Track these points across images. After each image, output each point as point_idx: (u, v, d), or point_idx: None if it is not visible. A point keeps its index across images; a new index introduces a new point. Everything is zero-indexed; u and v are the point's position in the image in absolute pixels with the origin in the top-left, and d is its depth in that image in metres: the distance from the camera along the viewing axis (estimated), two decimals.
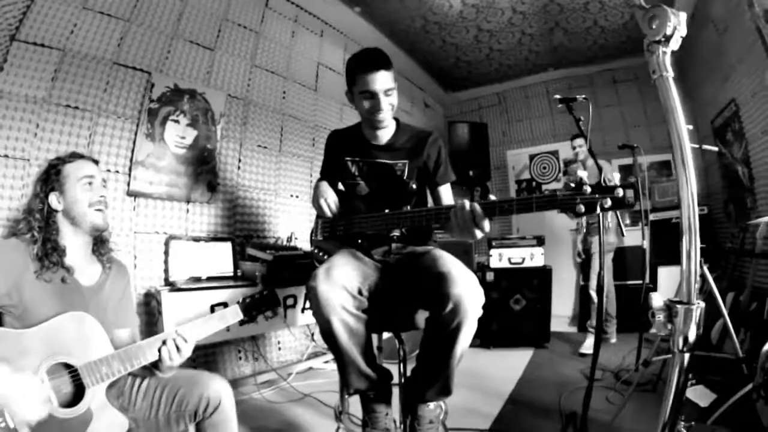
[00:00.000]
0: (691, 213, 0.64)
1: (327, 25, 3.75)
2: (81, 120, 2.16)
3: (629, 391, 2.10)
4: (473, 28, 3.92)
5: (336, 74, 3.76)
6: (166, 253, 2.43)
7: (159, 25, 2.51)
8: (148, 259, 2.38)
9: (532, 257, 3.59)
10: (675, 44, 0.69)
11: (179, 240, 2.49)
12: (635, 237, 3.40)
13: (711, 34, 3.49)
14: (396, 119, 1.71)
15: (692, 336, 0.58)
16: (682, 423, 0.79)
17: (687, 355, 0.57)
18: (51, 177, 1.28)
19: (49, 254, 1.19)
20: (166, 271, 2.41)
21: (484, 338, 3.46)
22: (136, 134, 2.37)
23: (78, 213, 1.27)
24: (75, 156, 1.35)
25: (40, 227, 1.22)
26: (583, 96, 1.99)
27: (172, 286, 2.23)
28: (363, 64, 1.52)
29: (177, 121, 2.55)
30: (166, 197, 2.50)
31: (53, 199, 1.25)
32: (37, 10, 2.00)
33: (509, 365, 3.02)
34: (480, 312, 1.32)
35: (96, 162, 1.38)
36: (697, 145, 2.38)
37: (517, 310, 3.49)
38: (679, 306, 0.57)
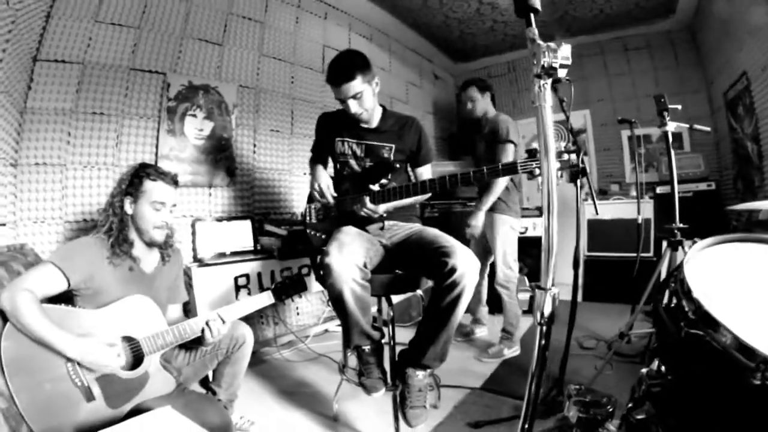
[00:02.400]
0: (551, 201, 0.80)
1: (330, 6, 3.79)
2: (107, 124, 2.37)
3: (607, 357, 2.26)
4: (475, 2, 3.85)
5: None
6: (193, 233, 2.68)
7: (168, 28, 2.65)
8: (177, 240, 2.61)
9: (534, 227, 3.73)
10: (561, 73, 0.83)
11: (204, 221, 2.74)
12: (631, 210, 3.42)
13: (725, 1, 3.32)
14: (382, 105, 1.89)
15: (547, 312, 0.79)
16: (572, 386, 1.00)
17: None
18: (133, 183, 1.47)
19: (120, 244, 1.43)
20: (194, 249, 2.66)
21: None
22: (158, 131, 2.59)
23: (141, 227, 1.47)
24: (160, 175, 1.50)
25: (113, 222, 1.44)
26: (567, 77, 2.08)
27: (200, 262, 2.45)
28: (331, 76, 1.71)
29: (194, 116, 2.77)
30: (191, 184, 2.75)
31: (127, 204, 1.47)
32: (53, 29, 2.15)
33: None
34: (477, 280, 1.54)
35: (176, 183, 1.55)
36: (687, 125, 2.42)
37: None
38: (537, 290, 0.78)
